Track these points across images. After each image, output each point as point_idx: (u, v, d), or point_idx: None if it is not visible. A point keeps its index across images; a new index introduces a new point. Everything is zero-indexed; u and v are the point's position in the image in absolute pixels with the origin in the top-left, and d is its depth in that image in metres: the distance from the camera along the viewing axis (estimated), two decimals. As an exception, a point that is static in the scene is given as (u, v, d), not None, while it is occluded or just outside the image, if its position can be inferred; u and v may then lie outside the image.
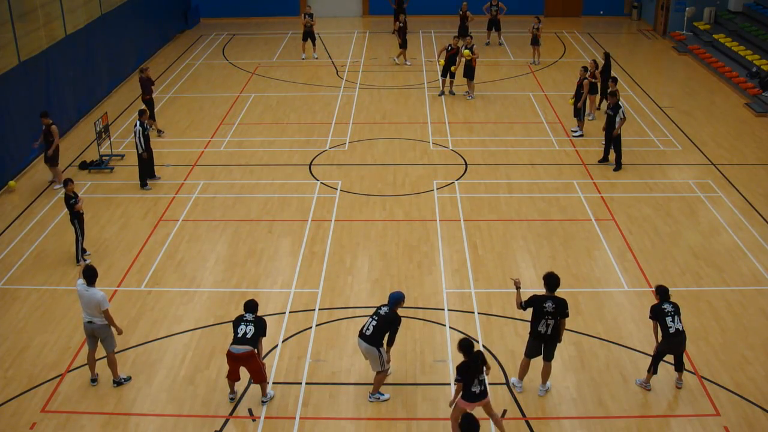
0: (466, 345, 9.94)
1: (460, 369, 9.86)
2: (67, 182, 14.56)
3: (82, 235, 14.76)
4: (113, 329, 11.29)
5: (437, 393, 11.28)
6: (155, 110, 21.55)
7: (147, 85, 20.75)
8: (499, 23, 29.73)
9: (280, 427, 10.71)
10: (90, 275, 11.15)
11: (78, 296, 11.23)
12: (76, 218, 14.52)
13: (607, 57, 22.32)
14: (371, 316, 10.87)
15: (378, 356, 10.82)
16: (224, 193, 17.70)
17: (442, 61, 23.73)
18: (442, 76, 23.99)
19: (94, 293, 11.06)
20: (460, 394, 9.93)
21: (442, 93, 24.09)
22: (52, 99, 20.66)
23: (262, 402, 11.06)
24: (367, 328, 10.78)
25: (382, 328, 10.78)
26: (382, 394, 11.12)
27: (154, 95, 21.37)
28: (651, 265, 14.60)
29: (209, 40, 31.66)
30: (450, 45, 23.40)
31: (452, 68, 23.54)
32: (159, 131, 21.02)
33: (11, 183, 13.32)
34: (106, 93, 24.37)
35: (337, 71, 27.07)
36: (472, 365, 9.84)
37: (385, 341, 10.91)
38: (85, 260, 14.56)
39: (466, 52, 23.07)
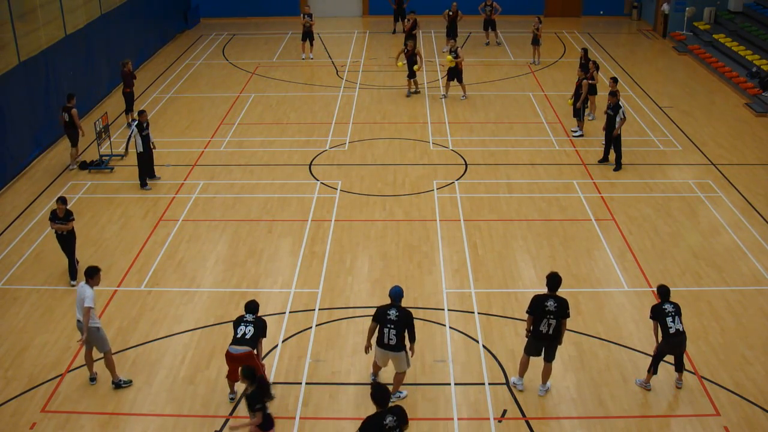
0: (249, 374, 9.46)
1: (256, 399, 9.39)
2: (59, 200, 13.95)
3: (70, 253, 14.17)
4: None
5: (437, 393, 11.28)
6: (133, 103, 21.89)
7: (128, 78, 21.37)
8: (494, 23, 29.57)
9: (280, 427, 10.70)
10: (89, 272, 11.16)
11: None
12: (56, 234, 14.01)
13: (585, 53, 22.39)
14: (386, 327, 10.71)
15: (405, 356, 10.88)
16: (224, 193, 17.70)
17: (401, 63, 23.86)
18: (408, 77, 23.95)
19: (84, 290, 11.04)
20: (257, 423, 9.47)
21: (416, 92, 24.16)
22: (52, 99, 20.66)
23: None
24: (390, 338, 10.71)
25: (402, 331, 10.75)
26: (401, 392, 11.14)
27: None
28: (651, 265, 14.60)
29: (209, 40, 31.66)
30: (406, 48, 23.45)
31: (414, 68, 23.63)
32: (129, 124, 21.30)
33: None
34: (106, 93, 24.37)
35: (337, 71, 27.07)
36: (263, 392, 9.60)
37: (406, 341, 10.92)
38: (73, 283, 14.12)
39: (449, 57, 22.98)
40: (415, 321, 12.83)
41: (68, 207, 14.28)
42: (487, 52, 29.15)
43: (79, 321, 11.16)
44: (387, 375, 11.30)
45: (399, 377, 11.06)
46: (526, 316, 11.07)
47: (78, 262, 14.43)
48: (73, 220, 14.04)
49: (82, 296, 11.03)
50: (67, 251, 14.22)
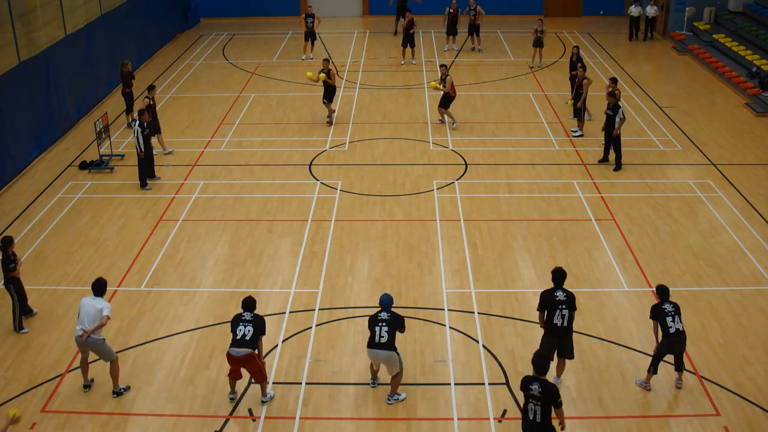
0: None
1: None
2: (8, 242, 12.72)
3: (20, 299, 12.78)
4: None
5: (437, 393, 11.28)
6: (133, 103, 21.83)
7: (127, 79, 21.32)
8: (478, 28, 28.93)
9: (280, 427, 10.71)
10: (97, 287, 11.13)
11: (79, 306, 11.09)
12: (12, 283, 12.68)
13: (577, 51, 22.52)
14: (377, 326, 10.82)
15: (397, 358, 10.88)
16: (224, 193, 17.70)
17: (317, 75, 21.24)
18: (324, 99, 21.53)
19: (97, 301, 11.02)
20: None
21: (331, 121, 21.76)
22: (52, 99, 20.66)
23: (262, 402, 11.06)
24: (381, 336, 10.75)
25: (393, 330, 10.84)
26: (400, 394, 11.13)
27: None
28: (651, 265, 14.60)
29: (209, 40, 31.66)
30: (323, 69, 21.11)
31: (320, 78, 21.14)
32: (129, 124, 21.39)
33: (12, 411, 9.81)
34: (106, 93, 24.37)
35: (337, 71, 27.03)
36: None
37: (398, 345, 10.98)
38: (23, 329, 12.80)
39: (432, 84, 21.44)
40: (415, 321, 12.89)
41: (13, 249, 12.81)
42: (487, 53, 29.13)
43: (81, 333, 10.92)
44: (386, 376, 11.28)
45: (396, 379, 11.04)
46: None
47: (34, 311, 13.20)
48: (14, 266, 12.62)
49: (98, 306, 10.94)
50: (20, 294, 12.79)
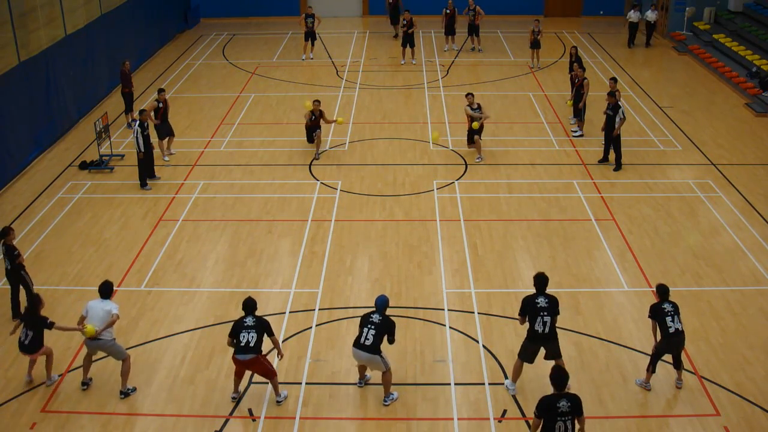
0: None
1: None
2: (8, 231, 12.91)
3: (16, 295, 13.11)
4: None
5: (437, 393, 11.28)
6: (133, 103, 21.92)
7: (127, 78, 21.40)
8: (478, 28, 28.78)
9: (280, 427, 10.71)
10: (104, 290, 11.17)
11: (87, 309, 11.12)
12: (22, 268, 12.98)
13: (575, 51, 22.64)
14: (366, 326, 10.79)
15: (380, 360, 10.82)
16: (224, 193, 17.70)
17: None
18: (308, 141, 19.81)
19: (106, 303, 11.08)
20: None
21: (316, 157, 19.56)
22: (52, 99, 20.66)
23: (277, 402, 11.01)
24: (366, 338, 10.71)
25: (381, 334, 10.77)
26: (392, 394, 11.12)
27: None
28: (651, 265, 14.60)
29: (209, 40, 31.67)
30: (313, 114, 19.35)
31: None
32: (129, 124, 21.44)
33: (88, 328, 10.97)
34: (106, 93, 24.37)
35: (337, 71, 27.07)
36: None
37: (383, 345, 10.89)
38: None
39: (476, 124, 19.03)
40: (415, 321, 12.88)
41: (14, 241, 13.02)
42: (487, 53, 29.13)
43: (91, 338, 11.02)
44: (376, 376, 11.26)
45: (385, 377, 10.98)
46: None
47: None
48: (17, 253, 12.82)
49: (105, 308, 11.01)
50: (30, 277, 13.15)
